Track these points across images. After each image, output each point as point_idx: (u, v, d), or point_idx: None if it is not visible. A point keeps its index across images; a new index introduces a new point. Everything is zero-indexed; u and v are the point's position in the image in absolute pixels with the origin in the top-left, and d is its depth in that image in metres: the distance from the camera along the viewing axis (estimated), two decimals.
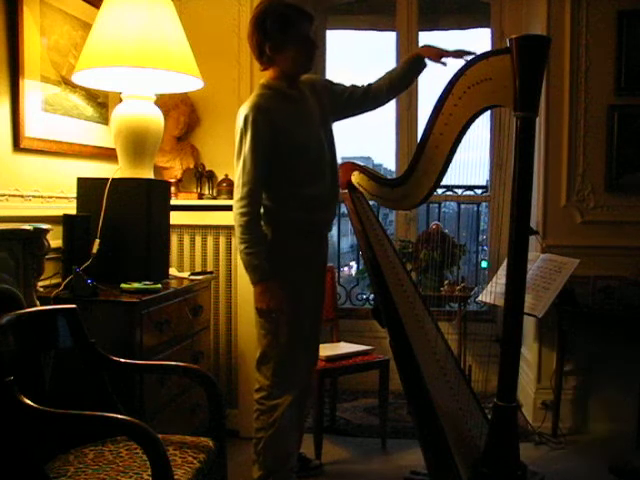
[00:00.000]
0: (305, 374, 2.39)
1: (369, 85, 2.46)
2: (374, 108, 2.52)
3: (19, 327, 1.71)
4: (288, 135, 2.23)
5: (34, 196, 2.45)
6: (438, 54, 2.32)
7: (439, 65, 2.33)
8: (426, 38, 4.12)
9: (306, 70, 2.31)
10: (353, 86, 2.47)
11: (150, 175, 2.61)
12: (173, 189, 3.20)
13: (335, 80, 2.49)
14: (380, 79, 2.45)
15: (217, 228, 3.19)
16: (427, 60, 2.39)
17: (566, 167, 3.33)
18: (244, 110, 2.23)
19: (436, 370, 2.19)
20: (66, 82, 2.61)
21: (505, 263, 2.10)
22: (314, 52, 2.30)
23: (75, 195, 2.54)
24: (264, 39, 2.22)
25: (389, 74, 2.45)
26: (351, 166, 2.56)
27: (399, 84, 2.45)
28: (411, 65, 2.43)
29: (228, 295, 3.21)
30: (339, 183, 2.43)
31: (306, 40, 2.25)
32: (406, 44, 4.01)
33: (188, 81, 2.60)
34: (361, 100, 2.45)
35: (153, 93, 2.60)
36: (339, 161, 2.49)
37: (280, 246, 2.27)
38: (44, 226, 2.00)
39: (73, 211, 2.52)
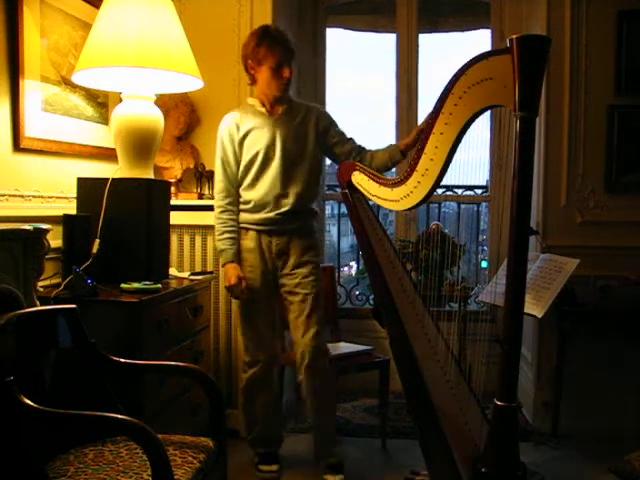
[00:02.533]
0: (267, 346, 2.73)
1: (359, 150, 2.73)
2: None
3: (19, 327, 1.71)
4: (245, 152, 2.65)
5: (34, 196, 2.45)
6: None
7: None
8: (426, 40, 4.13)
9: (278, 96, 2.64)
10: (347, 139, 2.75)
11: (150, 175, 2.61)
12: (173, 189, 3.20)
13: (337, 124, 2.78)
14: (366, 153, 2.72)
15: None
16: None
17: (566, 167, 3.33)
18: (221, 123, 2.71)
19: (436, 370, 2.18)
20: (66, 82, 2.61)
21: (505, 263, 2.10)
22: (284, 82, 2.59)
23: (75, 195, 2.54)
24: (248, 54, 2.59)
25: (372, 155, 2.71)
26: (351, 166, 2.56)
27: (379, 168, 2.66)
28: (392, 157, 2.67)
29: (228, 295, 3.19)
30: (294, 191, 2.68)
31: (279, 67, 2.55)
32: (406, 46, 4.01)
33: (188, 81, 2.60)
34: (343, 155, 2.73)
35: (153, 93, 2.60)
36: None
37: (239, 237, 2.72)
38: (44, 226, 2.00)
39: (73, 211, 2.52)
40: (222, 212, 2.69)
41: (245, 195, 2.70)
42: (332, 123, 2.76)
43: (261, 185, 2.65)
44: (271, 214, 2.65)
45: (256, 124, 2.65)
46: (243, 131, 2.65)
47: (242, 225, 2.71)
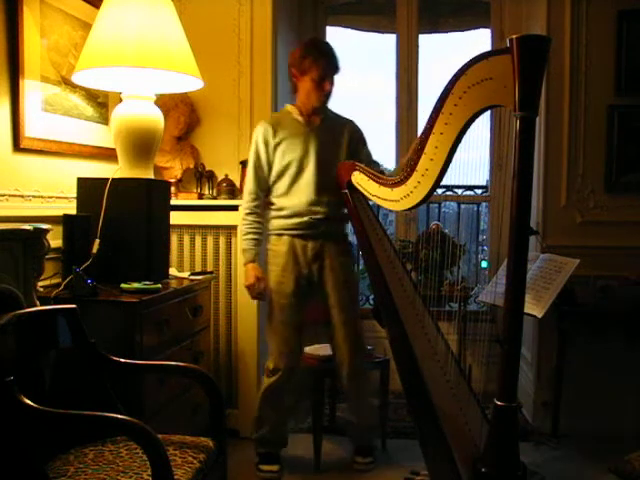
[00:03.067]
0: (290, 353, 2.75)
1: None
2: None
3: (19, 327, 1.71)
4: (278, 157, 2.72)
5: (34, 196, 2.45)
6: None
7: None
8: (426, 40, 4.12)
9: (316, 107, 2.71)
10: (371, 162, 2.81)
11: (150, 175, 2.61)
12: (173, 189, 3.20)
13: (366, 142, 2.88)
14: None
15: (217, 228, 3.19)
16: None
17: (566, 167, 3.33)
18: (257, 126, 2.79)
19: (436, 370, 2.18)
20: (66, 82, 2.61)
21: (505, 263, 2.10)
22: (324, 95, 2.68)
23: (75, 195, 2.54)
24: (293, 62, 2.69)
25: None
26: (351, 166, 2.56)
27: None
28: None
29: (228, 295, 3.21)
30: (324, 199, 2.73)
31: (321, 79, 2.63)
32: (406, 46, 4.01)
33: (188, 81, 2.60)
34: None
35: (153, 93, 2.59)
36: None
37: (266, 241, 2.81)
38: (44, 226, 2.00)
39: (73, 211, 2.52)
40: (249, 214, 2.76)
41: (278, 202, 2.76)
42: (363, 142, 2.86)
43: (295, 194, 2.72)
44: (305, 218, 2.71)
45: (292, 132, 2.72)
46: (279, 137, 2.71)
47: (275, 231, 2.77)
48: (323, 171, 2.69)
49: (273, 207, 2.78)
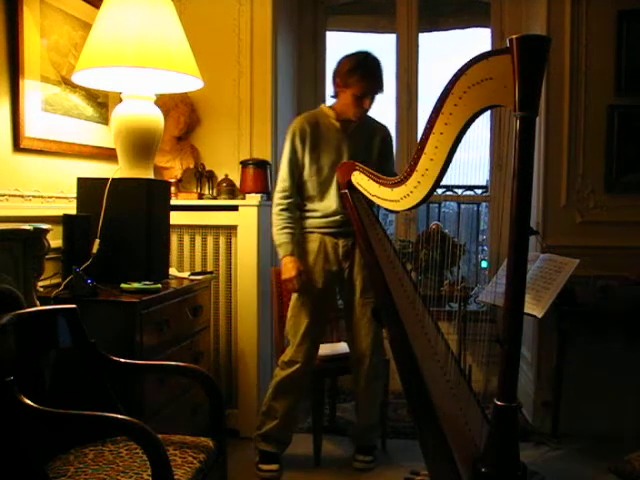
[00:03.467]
0: (309, 348, 2.76)
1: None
2: None
3: (19, 327, 1.71)
4: (312, 156, 2.74)
5: (34, 196, 2.45)
6: None
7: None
8: (426, 40, 4.12)
9: (353, 119, 2.74)
10: (391, 173, 2.72)
11: (150, 175, 2.61)
12: (173, 189, 3.20)
13: (393, 153, 2.96)
14: None
15: (217, 228, 3.19)
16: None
17: (566, 167, 3.33)
18: (293, 122, 2.80)
19: (436, 370, 2.18)
20: (66, 82, 2.61)
21: (505, 263, 2.10)
22: (362, 112, 2.70)
23: (75, 195, 2.54)
24: (340, 73, 2.68)
25: None
26: (351, 166, 2.56)
27: None
28: None
29: (228, 295, 3.21)
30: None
31: (362, 97, 2.64)
32: (406, 46, 4.01)
33: (188, 81, 2.60)
34: None
35: (153, 93, 2.59)
36: None
37: (302, 241, 2.81)
38: (44, 226, 2.00)
39: (73, 211, 2.52)
40: (283, 210, 2.76)
41: (310, 205, 2.80)
42: (390, 152, 2.91)
43: (327, 198, 2.76)
44: (337, 217, 2.75)
45: (327, 136, 2.76)
46: (315, 138, 2.74)
47: (307, 230, 2.80)
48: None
49: (305, 208, 2.82)
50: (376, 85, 2.68)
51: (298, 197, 2.80)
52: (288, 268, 2.72)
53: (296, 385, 2.80)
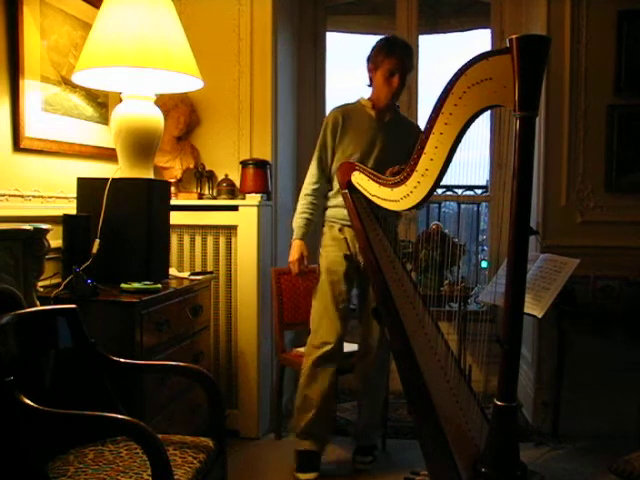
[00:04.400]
0: (337, 333, 2.75)
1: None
2: None
3: (19, 327, 1.71)
4: (343, 146, 2.78)
5: (34, 196, 2.45)
6: None
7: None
8: (426, 41, 4.12)
9: (387, 104, 2.76)
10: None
11: (150, 175, 2.61)
12: (173, 189, 3.20)
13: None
14: None
15: (217, 228, 3.19)
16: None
17: (566, 167, 3.33)
18: (328, 114, 2.86)
19: (436, 370, 2.18)
20: (66, 82, 2.61)
21: (505, 263, 2.10)
22: (392, 91, 2.71)
23: (75, 195, 2.54)
24: (370, 57, 2.74)
25: None
26: (351, 166, 2.56)
27: None
28: None
29: (228, 295, 3.21)
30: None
31: (391, 75, 2.68)
32: None
33: (188, 81, 2.60)
34: None
35: (153, 93, 2.59)
36: None
37: (322, 224, 2.89)
38: (44, 226, 2.00)
39: (73, 211, 2.52)
40: (307, 195, 2.84)
41: (336, 196, 2.81)
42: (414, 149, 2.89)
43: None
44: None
45: (361, 124, 2.78)
46: (348, 125, 2.78)
47: (331, 220, 2.85)
48: (383, 169, 2.60)
49: (330, 195, 2.85)
50: (403, 62, 2.69)
51: (325, 185, 2.85)
52: (293, 251, 2.80)
53: (328, 367, 2.75)
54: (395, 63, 2.67)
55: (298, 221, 2.84)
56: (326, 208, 2.87)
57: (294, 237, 2.83)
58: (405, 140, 2.77)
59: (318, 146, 2.83)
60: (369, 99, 2.82)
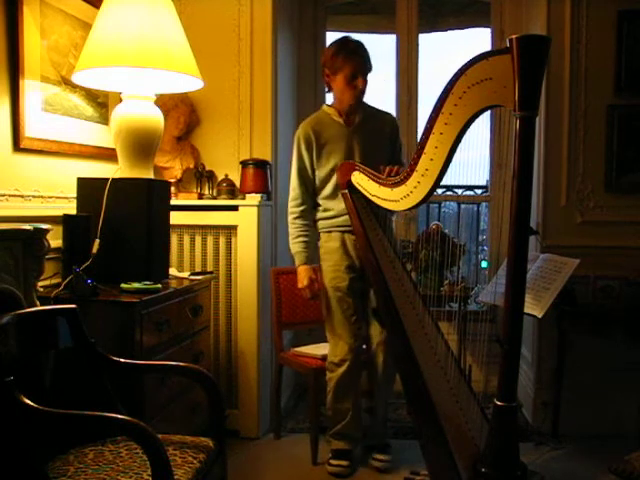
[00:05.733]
0: (354, 343, 2.74)
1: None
2: None
3: (19, 327, 1.71)
4: (322, 162, 2.75)
5: (34, 196, 2.45)
6: None
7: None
8: (426, 40, 4.12)
9: (352, 105, 2.71)
10: (398, 160, 2.79)
11: (150, 175, 2.61)
12: (173, 189, 3.20)
13: (401, 141, 2.92)
14: None
15: (217, 228, 3.19)
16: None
17: (566, 167, 3.33)
18: (297, 130, 2.81)
19: (436, 370, 2.18)
20: (66, 82, 2.61)
21: (505, 263, 2.10)
22: (357, 93, 2.68)
23: (75, 195, 2.54)
24: (326, 62, 2.70)
25: None
26: (351, 166, 2.56)
27: None
28: None
29: (228, 295, 3.21)
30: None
31: (353, 77, 2.64)
32: (406, 47, 4.01)
33: (188, 81, 2.60)
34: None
35: (153, 93, 2.59)
36: None
37: (321, 241, 2.85)
38: (44, 226, 2.00)
39: (73, 211, 2.52)
40: (296, 218, 2.81)
41: (325, 204, 2.80)
42: (398, 139, 2.87)
43: (341, 197, 2.70)
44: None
45: (333, 135, 2.75)
46: (322, 140, 2.74)
47: (325, 229, 2.82)
48: (370, 167, 2.57)
49: (320, 208, 2.83)
50: (363, 62, 2.66)
51: (311, 202, 2.82)
52: (301, 277, 2.78)
53: (352, 381, 2.78)
54: (356, 65, 2.64)
55: (295, 246, 2.81)
56: (317, 220, 2.85)
57: (297, 264, 2.81)
58: (381, 132, 2.78)
59: (296, 167, 2.78)
60: (331, 106, 2.79)
